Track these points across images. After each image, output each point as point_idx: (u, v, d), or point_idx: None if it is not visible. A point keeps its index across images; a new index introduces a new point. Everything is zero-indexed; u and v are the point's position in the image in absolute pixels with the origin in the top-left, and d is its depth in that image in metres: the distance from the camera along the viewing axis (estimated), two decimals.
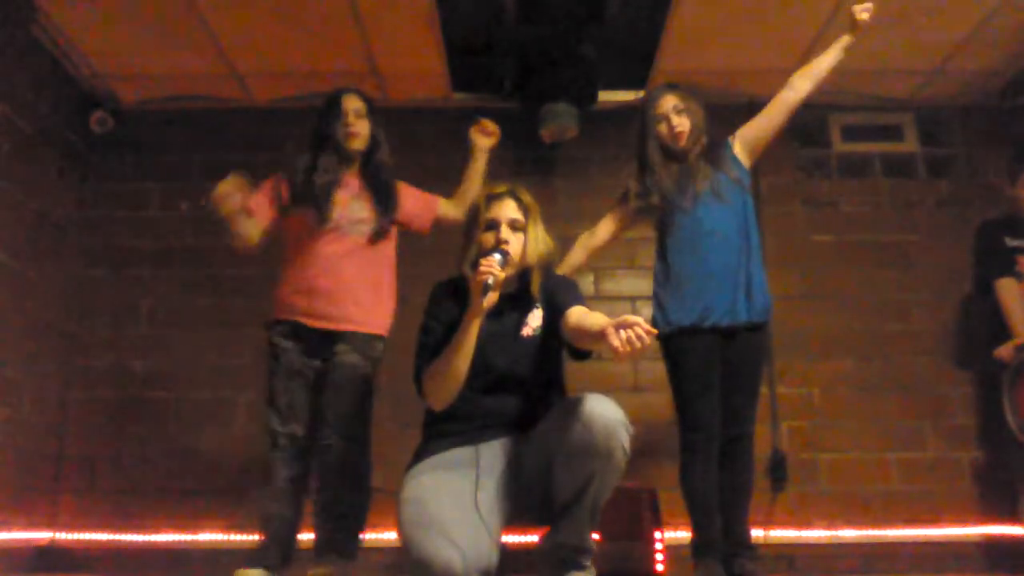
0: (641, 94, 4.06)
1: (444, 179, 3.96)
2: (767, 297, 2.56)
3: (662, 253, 2.66)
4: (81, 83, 3.94)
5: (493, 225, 1.97)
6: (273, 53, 3.74)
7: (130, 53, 3.74)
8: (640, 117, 2.73)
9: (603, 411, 1.69)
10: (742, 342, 2.51)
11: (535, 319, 1.99)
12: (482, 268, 1.81)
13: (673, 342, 2.54)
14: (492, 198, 2.02)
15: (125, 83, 3.99)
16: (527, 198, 2.03)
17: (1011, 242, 3.39)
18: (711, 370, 2.50)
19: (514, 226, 1.98)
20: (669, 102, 2.65)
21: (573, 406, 1.72)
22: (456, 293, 1.99)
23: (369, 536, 3.12)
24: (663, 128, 2.65)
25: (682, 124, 2.62)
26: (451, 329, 1.89)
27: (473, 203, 2.06)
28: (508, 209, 1.99)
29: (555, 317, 1.94)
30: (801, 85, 2.70)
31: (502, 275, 1.84)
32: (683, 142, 2.63)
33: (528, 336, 1.97)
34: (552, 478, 1.75)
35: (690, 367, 2.50)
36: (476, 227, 2.00)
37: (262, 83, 3.99)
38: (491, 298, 1.82)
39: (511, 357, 1.94)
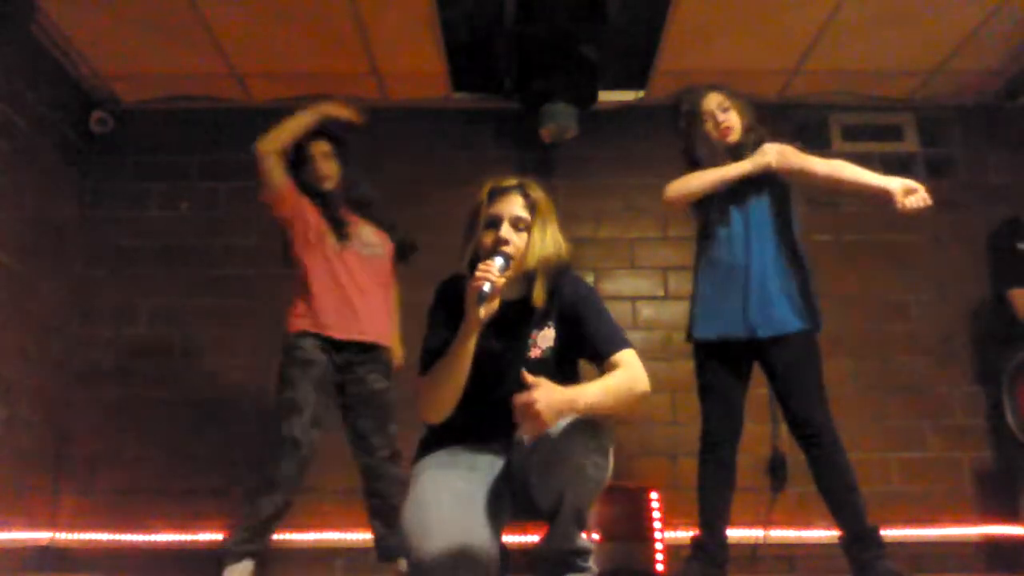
0: (641, 94, 4.08)
1: (444, 180, 3.99)
2: (797, 308, 2.48)
3: (698, 256, 2.67)
4: (81, 83, 3.94)
5: (494, 222, 1.79)
6: (273, 53, 3.74)
7: (130, 53, 3.73)
8: (683, 119, 2.70)
9: (568, 432, 1.60)
10: (778, 349, 2.46)
11: (546, 339, 1.82)
12: (477, 275, 1.65)
13: (695, 351, 2.61)
14: (497, 192, 1.82)
15: (125, 83, 3.99)
16: (537, 194, 1.82)
17: (1022, 245, 3.42)
18: (724, 382, 2.53)
19: (517, 224, 1.78)
20: (714, 100, 2.62)
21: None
22: (462, 292, 1.77)
23: (368, 536, 3.12)
24: (710, 126, 2.61)
25: (729, 120, 2.59)
26: (455, 333, 1.74)
27: (477, 196, 1.85)
28: (513, 206, 1.79)
29: (576, 341, 1.81)
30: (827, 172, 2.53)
31: (501, 281, 1.67)
32: (731, 137, 2.59)
33: (536, 357, 1.82)
34: (531, 491, 1.72)
35: (704, 379, 2.58)
36: (476, 224, 1.81)
37: (262, 83, 3.99)
38: (490, 308, 1.67)
39: (518, 380, 1.74)
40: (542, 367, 1.80)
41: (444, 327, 1.79)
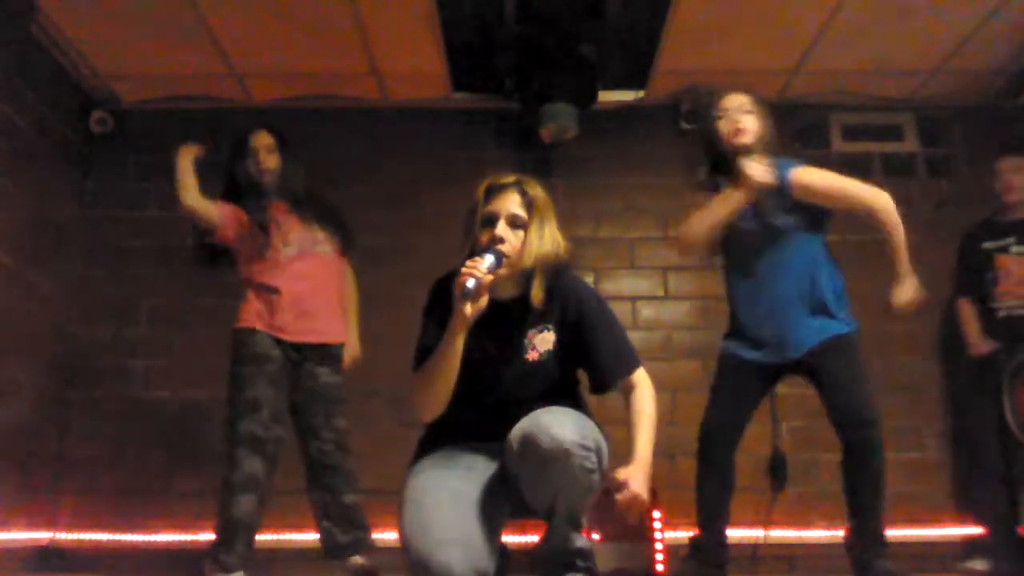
0: (641, 94, 4.08)
1: (443, 180, 3.99)
2: (826, 317, 2.41)
3: (726, 273, 2.62)
4: (81, 83, 3.94)
5: (491, 220, 1.76)
6: (273, 53, 3.74)
7: (130, 53, 3.73)
8: (696, 114, 2.67)
9: (553, 434, 1.58)
10: (811, 360, 2.41)
11: (544, 343, 1.81)
12: (463, 270, 1.64)
13: (720, 354, 2.59)
14: (494, 190, 1.79)
15: (125, 83, 3.99)
16: (535, 192, 1.80)
17: (989, 244, 3.42)
18: (742, 388, 2.51)
19: (514, 222, 1.76)
20: (736, 100, 2.51)
21: (528, 427, 1.64)
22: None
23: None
24: (723, 125, 2.49)
25: (745, 123, 2.46)
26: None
27: (475, 194, 1.83)
28: (510, 203, 1.76)
29: (580, 350, 1.82)
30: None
31: (488, 278, 1.65)
32: (741, 139, 2.45)
33: (534, 360, 1.81)
34: (524, 494, 1.72)
35: (722, 378, 2.55)
36: (473, 222, 1.78)
37: (262, 83, 3.99)
38: (476, 305, 1.66)
39: (514, 382, 1.80)
40: (539, 370, 1.82)
41: (438, 325, 1.77)
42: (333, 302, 2.92)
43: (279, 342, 2.77)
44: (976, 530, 3.53)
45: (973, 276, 3.46)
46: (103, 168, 4.06)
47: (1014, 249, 3.34)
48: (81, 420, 3.78)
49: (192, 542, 3.58)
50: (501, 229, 1.75)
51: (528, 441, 1.62)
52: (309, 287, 2.83)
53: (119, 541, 3.61)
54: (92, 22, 3.51)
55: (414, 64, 3.82)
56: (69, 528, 3.64)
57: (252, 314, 2.81)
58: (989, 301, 3.38)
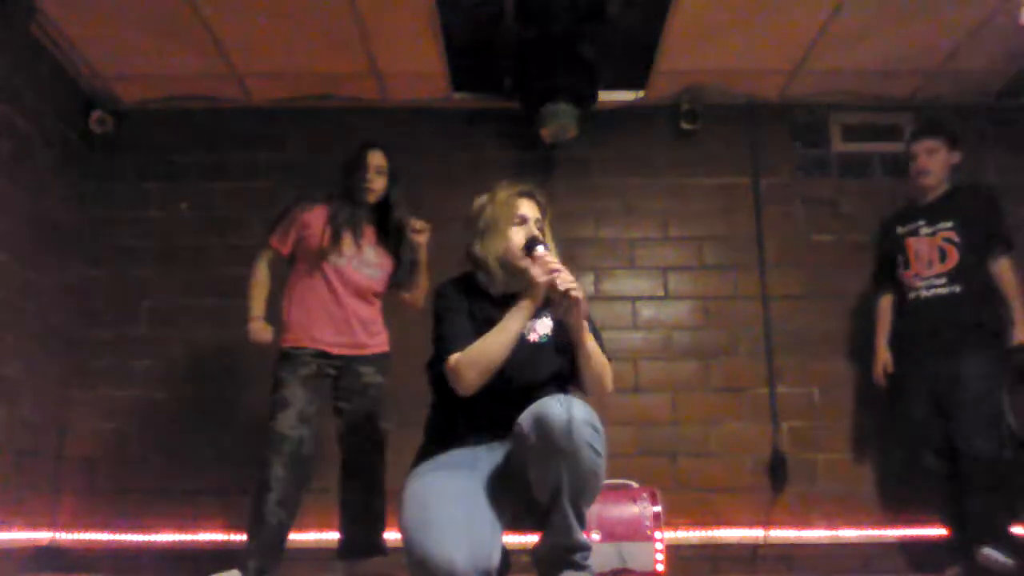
0: (641, 94, 4.08)
1: (444, 179, 3.99)
2: None
3: None
4: (81, 83, 3.95)
5: (524, 221, 2.01)
6: (273, 53, 3.74)
7: (130, 53, 3.74)
8: None
9: (567, 413, 1.64)
10: None
11: (543, 326, 2.00)
12: (551, 269, 1.83)
13: None
14: (522, 194, 2.05)
15: (125, 83, 3.99)
16: (544, 201, 2.09)
17: (900, 229, 3.40)
18: None
19: (538, 225, 2.03)
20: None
21: (539, 409, 1.68)
22: (467, 290, 2.00)
23: None
24: None
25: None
26: (471, 319, 1.93)
27: (498, 196, 2.05)
28: (534, 208, 2.05)
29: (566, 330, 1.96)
30: None
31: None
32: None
33: (535, 340, 1.97)
34: (530, 481, 1.73)
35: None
36: (505, 220, 2.00)
37: (262, 83, 3.99)
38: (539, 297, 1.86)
39: (519, 363, 1.90)
40: (540, 350, 1.96)
41: (462, 314, 1.94)
42: (375, 315, 2.92)
43: (321, 352, 2.80)
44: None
45: (888, 267, 3.44)
46: (103, 168, 4.06)
47: (923, 231, 3.30)
48: (81, 420, 3.78)
49: (192, 542, 3.59)
50: (535, 230, 2.00)
51: (540, 420, 1.65)
52: (353, 303, 2.84)
53: (119, 541, 3.61)
54: (92, 22, 3.51)
55: (414, 64, 3.83)
56: (69, 528, 3.64)
57: (293, 332, 2.83)
58: (901, 286, 3.37)
